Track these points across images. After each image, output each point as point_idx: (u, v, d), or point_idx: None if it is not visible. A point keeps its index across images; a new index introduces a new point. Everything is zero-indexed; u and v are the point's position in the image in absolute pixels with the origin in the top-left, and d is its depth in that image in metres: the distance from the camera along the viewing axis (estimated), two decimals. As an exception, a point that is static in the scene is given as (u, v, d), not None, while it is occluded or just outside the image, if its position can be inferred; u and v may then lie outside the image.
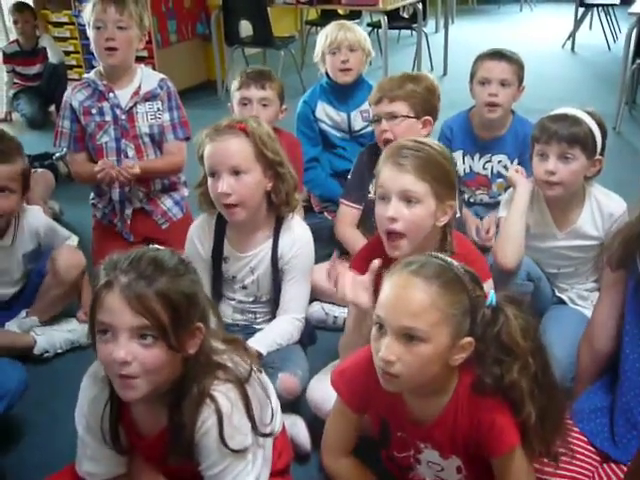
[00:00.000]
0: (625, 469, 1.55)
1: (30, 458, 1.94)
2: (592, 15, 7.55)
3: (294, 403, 1.92)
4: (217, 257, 2.04)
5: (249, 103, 2.67)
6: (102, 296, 1.28)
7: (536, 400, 1.35)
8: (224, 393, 1.36)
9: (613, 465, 1.60)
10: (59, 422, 2.01)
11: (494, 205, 2.74)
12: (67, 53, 5.56)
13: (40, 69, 5.10)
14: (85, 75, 2.79)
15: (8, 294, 2.41)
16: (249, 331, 2.03)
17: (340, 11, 5.80)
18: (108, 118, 2.63)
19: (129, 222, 2.73)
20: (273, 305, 2.07)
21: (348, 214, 2.58)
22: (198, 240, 2.06)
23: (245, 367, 1.44)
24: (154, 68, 4.81)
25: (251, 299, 2.09)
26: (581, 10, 7.08)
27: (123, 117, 2.63)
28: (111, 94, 2.62)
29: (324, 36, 3.02)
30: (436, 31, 7.69)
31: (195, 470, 1.42)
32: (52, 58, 5.10)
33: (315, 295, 2.42)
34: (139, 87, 2.66)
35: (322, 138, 3.12)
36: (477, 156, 2.82)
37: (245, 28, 5.39)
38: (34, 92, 5.09)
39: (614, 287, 1.77)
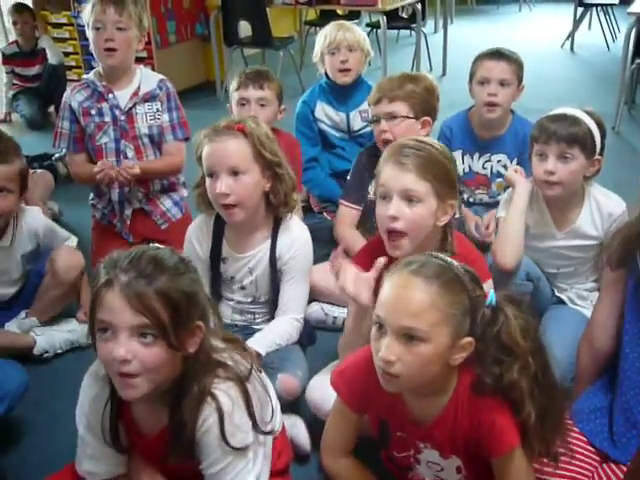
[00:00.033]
0: (625, 469, 1.56)
1: (30, 458, 1.94)
2: (591, 15, 7.56)
3: (293, 404, 1.92)
4: (215, 258, 2.04)
5: (247, 103, 2.67)
6: (102, 295, 1.28)
7: (536, 400, 1.35)
8: (225, 391, 1.36)
9: (613, 465, 1.60)
10: (59, 422, 2.01)
11: (494, 205, 2.73)
12: (66, 54, 5.56)
13: (39, 70, 5.10)
14: (84, 76, 2.79)
15: (7, 294, 2.41)
16: (248, 331, 2.03)
17: (339, 11, 5.81)
18: (107, 119, 2.63)
19: (128, 222, 2.74)
20: (272, 305, 2.07)
21: (347, 215, 2.58)
22: (196, 241, 2.06)
23: (245, 365, 1.44)
24: (153, 69, 4.81)
25: (250, 299, 2.09)
26: (580, 10, 7.09)
27: (122, 118, 2.63)
28: (110, 95, 2.62)
29: (323, 36, 3.02)
30: (435, 31, 7.69)
31: (195, 469, 1.42)
32: (51, 59, 5.10)
33: (314, 295, 2.41)
34: (138, 88, 2.66)
35: (321, 138, 3.12)
36: (476, 156, 2.82)
37: (244, 28, 5.39)
38: (33, 93, 5.09)
39: (614, 286, 1.77)
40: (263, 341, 1.92)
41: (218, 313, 1.53)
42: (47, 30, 5.62)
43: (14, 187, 2.24)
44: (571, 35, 7.07)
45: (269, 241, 2.02)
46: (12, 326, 2.37)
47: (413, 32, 6.24)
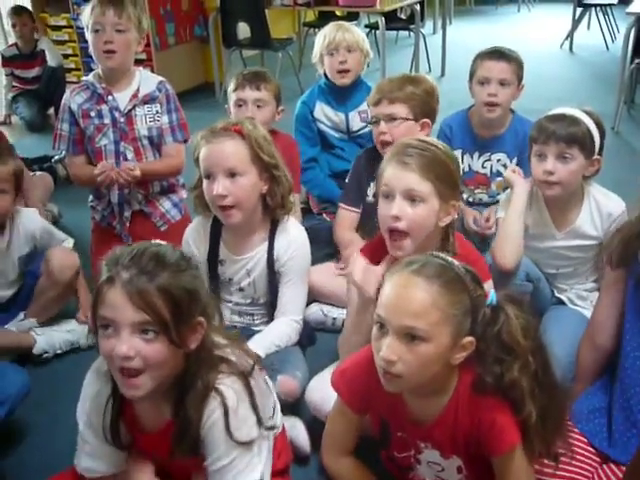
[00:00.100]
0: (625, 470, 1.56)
1: (30, 460, 1.94)
2: (590, 15, 7.57)
3: (293, 405, 1.91)
4: (213, 260, 2.04)
5: (244, 104, 2.67)
6: (104, 291, 1.29)
7: (537, 399, 1.35)
8: (229, 386, 1.37)
9: (613, 466, 1.60)
10: (59, 423, 2.01)
11: (493, 204, 2.73)
12: (66, 56, 5.58)
13: (39, 72, 5.11)
14: (84, 78, 2.78)
15: (5, 297, 2.41)
16: (247, 333, 2.02)
17: (338, 12, 5.81)
18: (107, 121, 2.63)
19: (128, 224, 2.73)
20: (270, 307, 2.07)
21: (347, 218, 2.58)
22: (194, 243, 2.06)
23: (248, 361, 1.44)
24: (152, 71, 4.79)
25: (248, 301, 2.09)
26: (579, 10, 7.09)
27: (122, 120, 2.63)
28: (110, 97, 2.62)
29: (322, 37, 3.02)
30: (434, 32, 7.70)
31: (197, 467, 1.42)
32: (51, 61, 5.11)
33: (314, 296, 2.42)
34: (138, 90, 2.65)
35: (320, 139, 3.12)
36: (476, 155, 2.82)
37: (243, 30, 5.40)
38: (33, 95, 5.10)
39: (614, 286, 1.77)
40: (262, 343, 1.92)
41: (220, 310, 1.54)
42: (46, 32, 5.63)
43: (8, 187, 2.25)
44: (570, 35, 7.08)
45: (266, 243, 2.01)
46: (11, 328, 2.37)
47: (412, 33, 6.24)
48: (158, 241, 1.41)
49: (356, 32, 3.03)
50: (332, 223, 2.70)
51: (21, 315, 2.40)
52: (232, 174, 1.89)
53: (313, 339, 2.17)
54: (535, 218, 2.17)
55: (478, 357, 1.36)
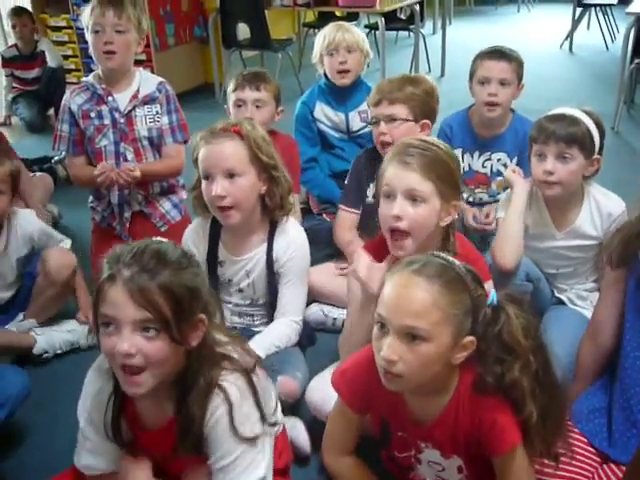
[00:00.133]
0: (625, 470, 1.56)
1: (30, 460, 1.94)
2: (590, 15, 7.58)
3: (293, 406, 1.91)
4: (212, 261, 2.04)
5: (244, 105, 2.67)
6: (105, 289, 1.29)
7: (537, 399, 1.35)
8: (232, 382, 1.37)
9: (613, 466, 1.60)
10: (59, 424, 2.01)
11: (493, 204, 2.73)
12: (65, 57, 5.58)
13: (39, 73, 5.12)
14: (84, 79, 2.79)
15: (3, 298, 2.42)
16: (247, 334, 2.02)
17: (337, 13, 5.81)
18: (107, 121, 2.63)
19: (128, 225, 2.73)
20: (270, 308, 2.07)
21: (347, 219, 2.58)
22: (193, 244, 2.05)
23: (250, 358, 1.44)
24: (152, 71, 4.79)
25: (248, 302, 2.09)
26: (579, 10, 7.10)
27: (122, 120, 2.63)
28: (110, 97, 2.62)
29: (322, 37, 3.02)
30: (434, 32, 7.71)
31: (199, 464, 1.41)
32: (51, 62, 5.12)
33: (314, 297, 2.42)
34: (138, 90, 2.65)
35: (320, 139, 3.12)
36: (476, 154, 2.81)
37: (243, 31, 5.41)
38: (33, 96, 5.11)
39: (614, 286, 1.77)
40: (262, 344, 1.91)
41: (221, 307, 1.54)
42: (46, 33, 5.64)
43: (5, 188, 2.26)
44: (570, 35, 7.08)
45: (265, 244, 2.01)
46: (11, 328, 2.37)
47: (412, 33, 6.24)
48: (159, 238, 1.41)
49: (356, 32, 3.03)
50: (332, 223, 2.70)
51: (20, 316, 2.40)
52: (231, 175, 1.88)
53: (313, 339, 2.17)
54: (535, 218, 2.17)
55: (479, 357, 1.36)
